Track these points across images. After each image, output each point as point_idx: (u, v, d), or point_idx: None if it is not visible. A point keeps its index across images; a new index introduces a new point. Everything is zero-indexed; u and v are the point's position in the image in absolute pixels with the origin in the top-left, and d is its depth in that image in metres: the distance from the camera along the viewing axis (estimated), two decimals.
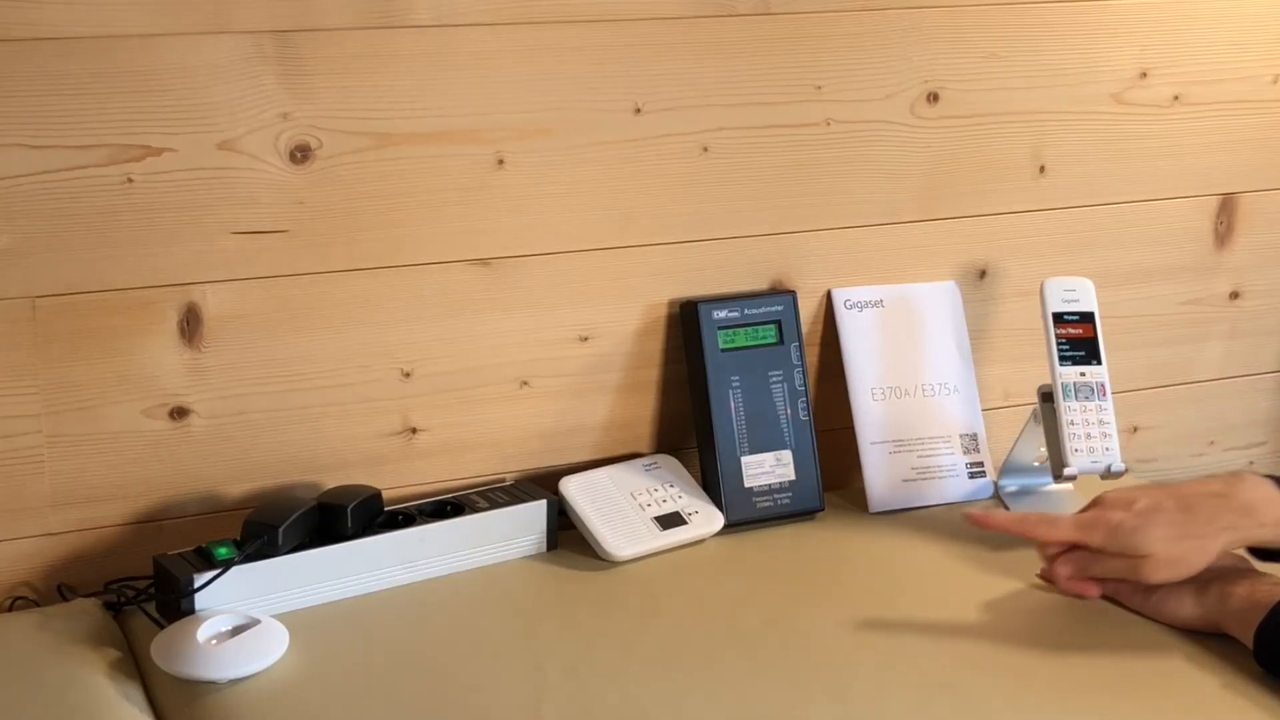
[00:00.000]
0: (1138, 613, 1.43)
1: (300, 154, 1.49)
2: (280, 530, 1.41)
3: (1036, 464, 1.70)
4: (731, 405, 1.65)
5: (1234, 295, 1.95)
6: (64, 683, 1.31)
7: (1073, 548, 1.46)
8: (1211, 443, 2.00)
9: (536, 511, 1.57)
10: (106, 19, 1.40)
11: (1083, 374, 1.61)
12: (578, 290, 1.64)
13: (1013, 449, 1.71)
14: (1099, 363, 1.62)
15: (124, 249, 1.45)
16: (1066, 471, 1.59)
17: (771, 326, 1.67)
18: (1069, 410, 1.60)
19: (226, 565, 1.39)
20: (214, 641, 1.34)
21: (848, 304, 1.74)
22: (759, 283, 1.71)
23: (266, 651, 1.34)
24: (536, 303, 1.62)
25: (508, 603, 1.48)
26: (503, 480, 1.64)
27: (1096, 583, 1.45)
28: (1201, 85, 1.85)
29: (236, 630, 1.36)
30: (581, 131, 1.60)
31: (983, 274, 1.81)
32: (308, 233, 1.51)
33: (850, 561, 1.58)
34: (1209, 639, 1.38)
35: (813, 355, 1.74)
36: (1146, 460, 1.92)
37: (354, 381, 1.57)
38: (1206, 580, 1.40)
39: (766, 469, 1.66)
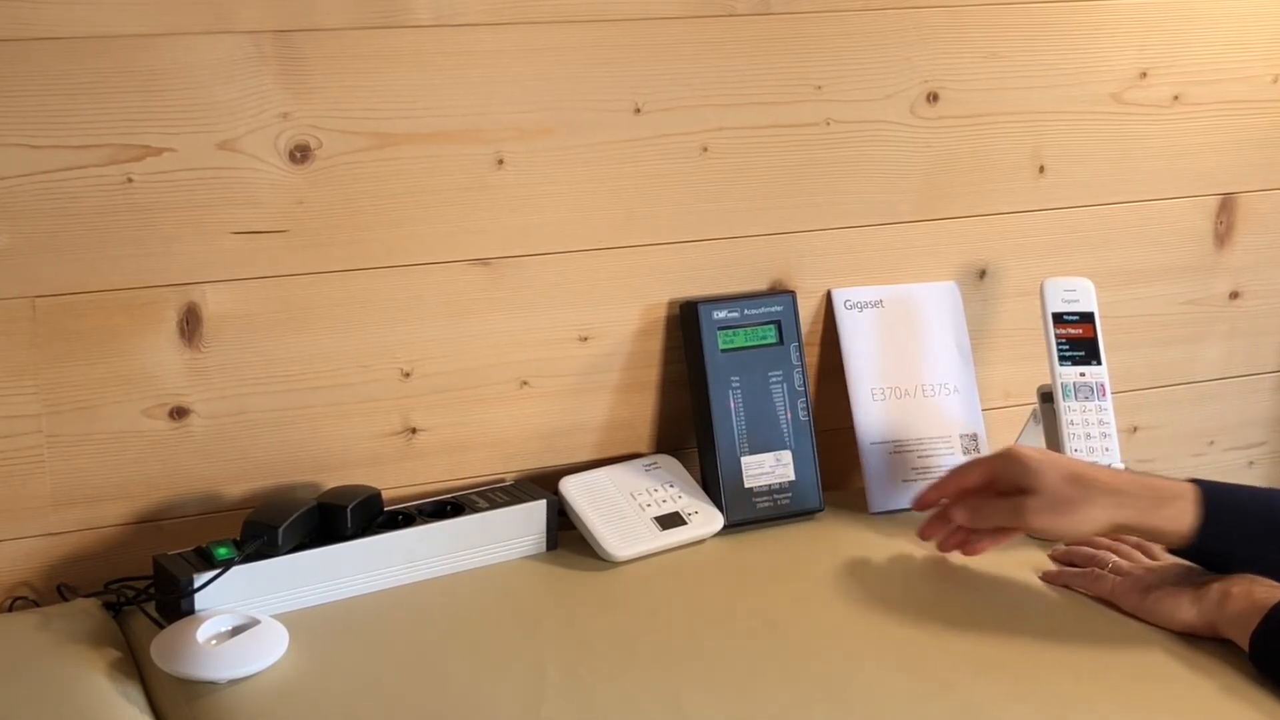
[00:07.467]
0: (1134, 616, 1.43)
1: (300, 154, 1.49)
2: (280, 530, 1.41)
3: None
4: (731, 405, 1.65)
5: (1234, 295, 1.95)
6: (64, 683, 1.31)
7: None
8: (1211, 443, 2.00)
9: (536, 511, 1.57)
10: (106, 19, 1.40)
11: (1082, 374, 1.61)
12: (578, 290, 1.64)
13: None
14: (1099, 363, 1.62)
15: (124, 249, 1.45)
16: None
17: (771, 327, 1.67)
18: (1069, 410, 1.60)
19: (226, 565, 1.39)
20: (214, 641, 1.34)
21: (848, 304, 1.74)
22: (759, 283, 1.71)
23: (266, 651, 1.34)
24: (536, 303, 1.62)
25: (508, 603, 1.48)
26: (503, 480, 1.64)
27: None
28: (1201, 85, 1.85)
29: (236, 630, 1.35)
30: (581, 131, 1.60)
31: (983, 274, 1.81)
32: (308, 233, 1.51)
33: (850, 561, 1.58)
34: (1207, 642, 1.38)
35: (813, 355, 1.74)
36: (1146, 460, 1.91)
37: (354, 381, 1.57)
38: (1204, 584, 1.40)
39: (766, 469, 1.66)
